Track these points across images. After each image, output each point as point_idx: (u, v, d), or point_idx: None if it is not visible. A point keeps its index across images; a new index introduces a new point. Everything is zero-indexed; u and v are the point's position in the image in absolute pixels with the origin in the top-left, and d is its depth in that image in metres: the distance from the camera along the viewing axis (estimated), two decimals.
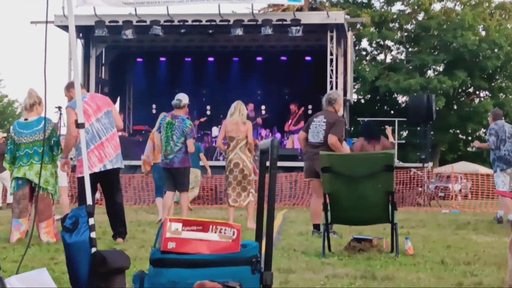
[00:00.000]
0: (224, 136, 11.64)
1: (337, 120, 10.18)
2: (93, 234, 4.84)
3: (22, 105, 9.70)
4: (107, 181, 9.06)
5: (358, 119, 30.31)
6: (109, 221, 9.23)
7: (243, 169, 11.38)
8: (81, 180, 8.46)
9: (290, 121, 24.71)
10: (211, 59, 27.92)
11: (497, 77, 43.04)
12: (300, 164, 20.49)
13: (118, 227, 9.09)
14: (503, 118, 13.83)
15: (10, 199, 15.11)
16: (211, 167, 18.11)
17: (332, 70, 23.36)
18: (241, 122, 11.41)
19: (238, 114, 11.43)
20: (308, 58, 27.09)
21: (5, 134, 19.42)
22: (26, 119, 9.20)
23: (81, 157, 8.66)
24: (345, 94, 23.97)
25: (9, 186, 13.79)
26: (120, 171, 9.34)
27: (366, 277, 5.95)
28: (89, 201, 5.19)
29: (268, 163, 2.51)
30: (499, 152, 13.34)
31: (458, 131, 44.86)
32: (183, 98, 11.40)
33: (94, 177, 8.64)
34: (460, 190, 28.99)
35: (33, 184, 9.01)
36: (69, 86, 9.41)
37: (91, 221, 4.89)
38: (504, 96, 43.29)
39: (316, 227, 10.05)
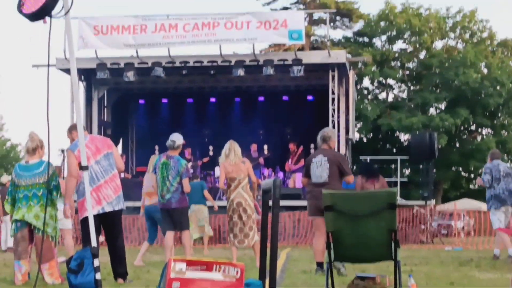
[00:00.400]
0: (225, 177, 11.68)
1: (341, 159, 10.25)
2: (98, 275, 4.88)
3: (24, 148, 9.76)
4: (107, 223, 9.04)
5: (360, 157, 30.32)
6: (110, 262, 9.23)
7: (246, 208, 11.38)
8: (83, 222, 8.46)
9: (290, 160, 24.74)
10: (213, 99, 28.06)
11: (499, 115, 43.02)
12: (303, 202, 20.51)
13: (119, 268, 9.09)
14: (499, 158, 14.06)
15: (10, 242, 15.13)
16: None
17: (334, 109, 23.46)
18: (240, 162, 11.45)
19: (234, 154, 11.48)
20: (310, 97, 27.23)
21: (9, 177, 19.49)
22: (27, 162, 9.28)
23: (82, 199, 8.73)
24: (347, 132, 24.06)
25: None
26: (123, 212, 9.35)
27: None
28: (93, 242, 5.23)
29: (270, 203, 2.57)
30: (494, 190, 13.60)
31: (460, 168, 44.77)
32: (177, 139, 11.50)
33: (94, 219, 8.60)
34: (463, 227, 28.93)
35: (32, 227, 9.05)
36: (71, 129, 9.50)
37: (96, 262, 4.93)
38: (506, 133, 43.25)
39: (320, 264, 10.07)
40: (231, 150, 11.50)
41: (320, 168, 10.10)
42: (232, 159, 11.41)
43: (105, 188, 8.91)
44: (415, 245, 20.52)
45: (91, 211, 5.44)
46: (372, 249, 7.88)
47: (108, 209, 8.90)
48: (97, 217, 8.72)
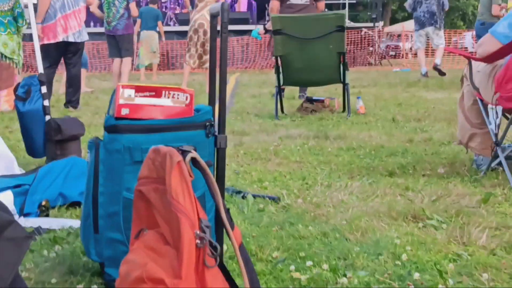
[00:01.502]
0: None
1: None
2: (46, 102, 4.81)
3: None
4: (69, 52, 9.09)
5: None
6: (65, 90, 9.27)
7: (206, 30, 11.09)
8: (43, 48, 8.45)
9: None
10: None
11: None
12: (251, 27, 20.30)
13: (71, 96, 9.14)
14: None
15: None
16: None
17: None
18: None
19: None
20: None
21: None
22: None
23: (47, 24, 8.75)
24: None
25: None
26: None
27: (319, 137, 6.05)
28: (40, 69, 5.12)
29: (218, 27, 2.47)
30: (416, 13, 14.16)
31: None
32: None
33: (57, 46, 8.86)
34: (411, 48, 29.16)
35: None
36: None
37: (43, 89, 4.84)
38: None
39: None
40: None
41: None
42: None
43: (72, 19, 8.98)
44: (363, 67, 20.71)
45: (36, 39, 5.28)
46: (321, 72, 7.89)
47: (71, 39, 8.97)
48: (61, 44, 8.90)
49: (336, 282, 2.40)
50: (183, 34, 18.16)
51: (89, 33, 9.68)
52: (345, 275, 2.45)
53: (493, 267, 2.53)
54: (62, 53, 9.08)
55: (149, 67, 17.89)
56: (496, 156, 4.18)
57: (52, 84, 9.36)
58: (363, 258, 2.65)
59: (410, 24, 34.87)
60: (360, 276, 2.44)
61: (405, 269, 2.52)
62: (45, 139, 4.73)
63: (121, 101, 2.31)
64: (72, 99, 9.15)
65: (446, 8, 14.15)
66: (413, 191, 3.85)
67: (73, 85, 9.17)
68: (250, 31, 19.89)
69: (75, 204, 3.60)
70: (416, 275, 2.42)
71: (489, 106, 4.21)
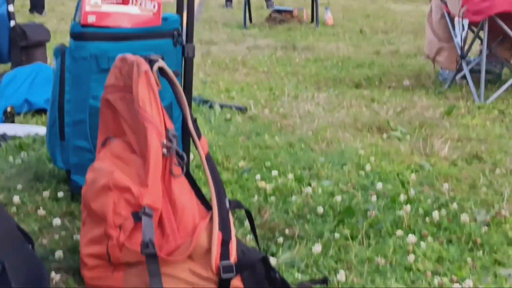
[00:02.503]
0: None
1: None
2: (11, 8, 4.71)
3: None
4: None
5: None
6: None
7: None
8: None
9: None
10: None
11: None
12: None
13: (37, 0, 8.91)
14: None
15: None
16: None
17: None
18: None
19: None
20: None
21: None
22: None
23: None
24: None
25: None
26: None
27: (287, 48, 6.03)
28: None
29: None
30: None
31: None
32: None
33: None
34: None
35: None
36: None
37: None
38: None
39: None
40: None
41: None
42: None
43: None
44: None
45: None
46: None
47: None
48: None
49: (300, 191, 2.45)
50: None
51: None
52: (309, 184, 2.50)
53: (454, 177, 2.60)
54: None
55: None
56: (460, 69, 4.21)
57: None
58: (328, 168, 2.69)
59: None
60: (324, 185, 2.49)
61: (368, 179, 2.57)
62: (10, 44, 4.65)
63: (87, 8, 2.28)
64: (36, 4, 8.93)
65: None
66: (379, 103, 3.88)
67: None
68: None
69: (40, 111, 3.58)
70: (379, 185, 2.47)
71: (456, 19, 4.22)
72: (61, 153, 2.38)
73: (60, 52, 2.35)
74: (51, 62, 4.09)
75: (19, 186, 2.48)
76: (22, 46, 4.54)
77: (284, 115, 3.59)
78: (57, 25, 7.47)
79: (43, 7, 8.97)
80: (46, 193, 2.40)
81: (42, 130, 3.18)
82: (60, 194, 2.39)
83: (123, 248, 1.60)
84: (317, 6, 7.75)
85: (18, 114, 3.54)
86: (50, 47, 4.56)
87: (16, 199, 2.34)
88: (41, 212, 2.24)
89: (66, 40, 2.39)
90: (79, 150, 2.32)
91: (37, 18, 8.14)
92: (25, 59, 4.44)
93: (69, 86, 2.34)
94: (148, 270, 1.55)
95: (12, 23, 4.67)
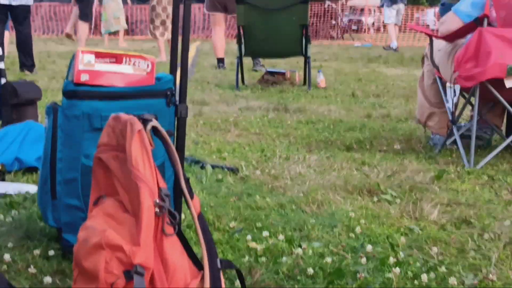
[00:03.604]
0: None
1: None
2: (1, 65, 4.74)
3: None
4: (15, 15, 8.93)
5: None
6: (18, 55, 9.09)
7: (171, 0, 10.95)
8: None
9: None
10: None
11: None
12: None
13: (25, 59, 8.99)
14: None
15: None
16: None
17: None
18: None
19: None
20: None
21: None
22: None
23: None
24: None
25: None
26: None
27: (279, 109, 6.08)
28: None
29: None
30: None
31: None
32: None
33: (2, 8, 8.71)
34: (373, 23, 29.24)
35: None
36: None
37: None
38: None
39: (220, 60, 10.03)
40: None
41: None
42: None
43: None
44: (325, 40, 20.75)
45: None
46: (283, 44, 7.90)
47: (15, 2, 8.79)
48: (6, 7, 8.75)
49: (291, 252, 2.44)
50: None
51: None
52: (300, 246, 2.50)
53: (443, 241, 2.60)
54: (7, 17, 8.88)
55: (113, 33, 17.66)
56: (451, 134, 4.25)
57: (4, 46, 9.21)
58: (318, 230, 2.69)
59: None
60: (315, 247, 2.49)
61: (358, 242, 2.57)
62: (0, 102, 4.66)
63: (80, 67, 2.30)
64: (26, 63, 9.00)
65: None
66: (369, 166, 3.90)
67: (23, 49, 9.00)
68: None
69: (31, 169, 3.58)
70: (369, 248, 2.47)
71: (448, 84, 4.28)
72: (52, 212, 2.38)
73: (53, 110, 2.37)
74: (42, 120, 4.12)
75: (10, 244, 2.47)
76: (13, 104, 4.55)
77: (276, 176, 3.61)
78: (48, 83, 7.53)
79: (33, 65, 9.04)
80: (37, 251, 2.39)
81: (33, 189, 3.17)
82: (51, 252, 2.38)
83: None
84: (310, 69, 7.84)
85: (9, 172, 3.54)
86: (41, 106, 4.58)
87: (6, 257, 2.32)
88: (32, 270, 2.23)
89: (57, 98, 2.41)
90: (71, 209, 2.32)
91: (27, 76, 8.20)
92: (16, 117, 4.44)
93: (61, 144, 2.35)
94: None
95: (3, 80, 4.69)
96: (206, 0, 9.87)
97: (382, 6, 15.51)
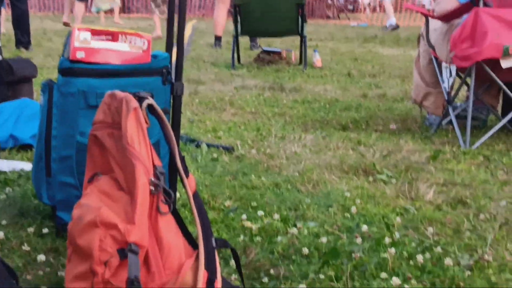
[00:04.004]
0: None
1: None
2: None
3: None
4: None
5: None
6: (14, 32, 9.00)
7: None
8: None
9: None
10: None
11: None
12: None
13: (21, 36, 8.89)
14: None
15: None
16: None
17: None
18: None
19: None
20: None
21: None
22: None
23: None
24: None
25: None
26: None
27: (275, 89, 6.07)
28: None
29: None
30: None
31: None
32: None
33: None
34: (369, 3, 29.12)
35: None
36: None
37: None
38: None
39: (218, 38, 9.94)
40: None
41: None
42: None
43: None
44: (321, 20, 20.68)
45: None
46: (279, 23, 7.86)
47: None
48: None
49: (286, 232, 2.44)
50: None
51: None
52: (295, 226, 2.50)
53: (438, 221, 2.60)
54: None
55: (109, 10, 17.56)
56: (447, 115, 4.24)
57: (0, 24, 9.16)
58: (314, 210, 2.69)
59: None
60: (310, 226, 2.49)
61: (354, 221, 2.57)
62: None
63: (76, 44, 2.28)
64: (22, 40, 8.92)
65: None
66: (365, 145, 3.90)
67: (20, 26, 8.89)
68: None
69: (26, 147, 3.57)
70: (364, 228, 2.47)
71: (444, 64, 4.27)
72: (46, 189, 2.37)
73: (48, 87, 2.35)
74: (38, 97, 4.10)
75: (4, 222, 2.46)
76: (8, 81, 4.53)
77: (271, 155, 3.60)
78: (43, 61, 7.49)
79: (29, 42, 8.97)
80: (31, 229, 2.38)
81: (27, 166, 3.16)
82: (45, 230, 2.38)
83: (109, 285, 1.59)
84: (306, 48, 7.82)
85: (4, 149, 3.53)
86: (36, 83, 4.56)
87: (0, 234, 2.32)
88: (26, 248, 2.22)
89: (53, 76, 2.39)
90: (65, 186, 2.32)
91: (23, 53, 8.15)
92: (11, 94, 4.43)
93: (56, 121, 2.34)
94: None
95: None
96: None
97: None
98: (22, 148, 3.58)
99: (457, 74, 4.27)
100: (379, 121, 4.63)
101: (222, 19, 9.66)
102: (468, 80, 4.12)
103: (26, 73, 4.60)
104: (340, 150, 3.76)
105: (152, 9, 11.23)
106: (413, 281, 2.05)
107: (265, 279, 2.04)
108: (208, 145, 3.73)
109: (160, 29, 10.93)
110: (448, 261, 2.18)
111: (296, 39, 8.47)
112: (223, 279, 1.66)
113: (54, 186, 2.36)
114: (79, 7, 11.16)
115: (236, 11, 7.88)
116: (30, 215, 2.54)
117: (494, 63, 3.85)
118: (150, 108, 1.74)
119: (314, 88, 6.16)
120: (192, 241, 1.71)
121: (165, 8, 11.09)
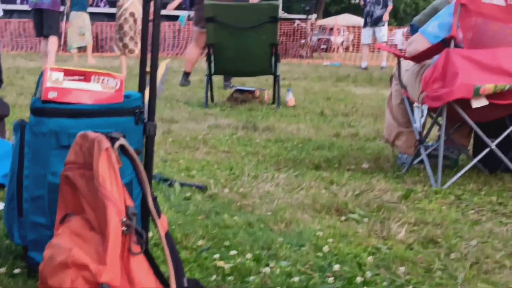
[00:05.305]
0: None
1: None
2: None
3: None
4: None
5: None
6: None
7: (137, 19, 10.91)
8: None
9: None
10: None
11: None
12: (184, 12, 20.16)
13: None
14: None
15: None
16: (91, 13, 17.50)
17: None
18: None
19: None
20: None
21: None
22: None
23: None
24: None
25: None
26: None
27: (248, 128, 6.09)
28: None
29: (151, 12, 2.46)
30: (367, 8, 15.60)
31: None
32: None
33: None
34: (342, 43, 29.48)
35: None
36: None
37: None
38: None
39: (186, 74, 10.06)
40: None
41: None
42: None
43: None
44: (295, 59, 20.85)
45: None
46: (252, 62, 7.92)
47: None
48: None
49: (258, 271, 2.44)
50: (113, 16, 18.07)
51: (14, 11, 9.44)
52: (267, 265, 2.50)
53: (410, 261, 2.61)
54: None
55: (83, 49, 17.62)
56: (418, 154, 4.28)
57: None
58: (286, 249, 2.69)
59: (342, 18, 35.28)
60: (282, 266, 2.49)
61: (326, 261, 2.58)
62: None
63: (48, 84, 2.29)
64: None
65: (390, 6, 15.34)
66: (338, 185, 3.92)
67: None
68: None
69: None
70: (336, 267, 2.48)
71: (415, 104, 4.32)
72: (18, 229, 2.36)
73: (20, 127, 2.35)
74: (10, 137, 4.07)
75: None
76: None
77: (244, 194, 3.61)
78: (16, 99, 7.46)
79: (1, 81, 8.94)
80: (2, 269, 2.36)
81: None
82: (17, 270, 2.35)
83: None
84: (279, 88, 7.87)
85: None
86: (9, 122, 4.54)
87: None
88: None
89: (25, 114, 2.39)
90: (37, 227, 2.30)
91: None
92: None
93: (28, 161, 2.33)
94: None
95: None
96: (196, 17, 9.77)
97: (364, 26, 15.91)
98: None
99: (429, 114, 4.32)
100: (352, 160, 4.66)
101: (193, 56, 9.75)
102: (439, 120, 4.17)
103: None
104: (313, 189, 3.78)
105: (119, 48, 11.20)
106: None
107: None
108: (181, 184, 3.73)
109: (125, 69, 10.93)
110: None
111: (270, 78, 8.53)
112: None
113: (25, 226, 2.34)
114: (52, 43, 11.11)
115: (209, 50, 7.93)
116: (1, 255, 2.51)
117: (465, 103, 3.90)
118: (122, 148, 1.75)
119: (287, 127, 6.20)
120: (164, 281, 1.71)
121: (133, 46, 11.09)
